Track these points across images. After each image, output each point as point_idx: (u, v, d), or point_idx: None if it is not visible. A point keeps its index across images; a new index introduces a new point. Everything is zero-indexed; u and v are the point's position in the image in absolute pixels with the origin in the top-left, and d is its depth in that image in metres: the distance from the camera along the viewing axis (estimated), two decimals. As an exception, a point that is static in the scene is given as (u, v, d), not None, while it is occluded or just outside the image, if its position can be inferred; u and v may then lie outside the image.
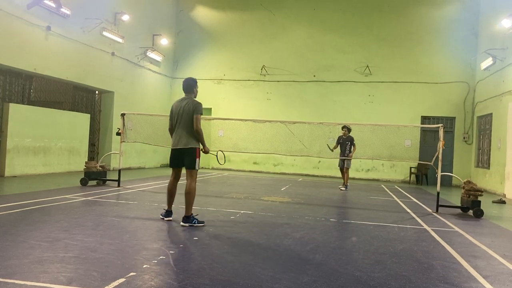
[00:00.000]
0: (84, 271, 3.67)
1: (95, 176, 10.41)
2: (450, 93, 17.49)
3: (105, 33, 14.62)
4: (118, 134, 10.38)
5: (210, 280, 3.65)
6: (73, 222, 5.76)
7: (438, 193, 9.02)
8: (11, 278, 3.37)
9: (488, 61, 15.14)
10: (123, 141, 10.35)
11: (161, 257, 4.27)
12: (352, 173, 15.31)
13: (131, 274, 3.66)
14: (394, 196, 11.67)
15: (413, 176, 17.49)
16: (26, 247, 4.35)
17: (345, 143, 12.46)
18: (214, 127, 17.60)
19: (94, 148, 15.45)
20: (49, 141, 12.71)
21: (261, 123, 11.83)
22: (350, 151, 12.36)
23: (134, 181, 11.78)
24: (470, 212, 8.46)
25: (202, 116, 6.02)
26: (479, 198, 8.50)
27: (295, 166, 18.78)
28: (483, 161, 16.11)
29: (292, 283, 3.67)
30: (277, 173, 18.70)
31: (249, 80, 19.40)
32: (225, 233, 5.67)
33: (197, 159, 6.00)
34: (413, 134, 16.95)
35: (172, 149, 6.14)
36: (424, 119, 17.81)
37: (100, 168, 10.62)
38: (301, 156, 13.68)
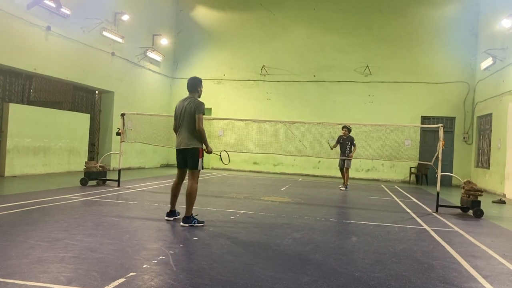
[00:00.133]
0: (84, 271, 3.67)
1: (95, 176, 10.41)
2: (450, 93, 17.49)
3: (105, 33, 14.62)
4: (118, 134, 10.37)
5: (210, 280, 3.65)
6: (73, 222, 5.76)
7: (438, 193, 9.03)
8: (11, 278, 3.37)
9: (488, 61, 15.14)
10: (123, 141, 10.35)
11: (161, 257, 4.26)
12: (352, 173, 15.30)
13: (131, 274, 3.66)
14: (394, 196, 11.67)
15: (413, 176, 17.49)
16: (26, 247, 4.34)
17: (345, 143, 12.43)
18: (214, 127, 17.62)
19: (94, 148, 15.45)
20: (49, 141, 12.70)
21: (261, 123, 11.85)
22: (350, 151, 12.34)
23: (134, 181, 11.77)
24: (470, 212, 8.46)
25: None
26: (479, 198, 8.50)
27: (295, 166, 18.78)
28: (483, 161, 16.11)
29: (292, 283, 3.67)
30: (277, 173, 18.69)
31: (249, 80, 19.40)
32: (225, 233, 5.67)
33: (200, 159, 5.96)
34: (413, 134, 16.96)
35: (176, 150, 6.12)
36: (424, 119, 17.81)
37: (100, 168, 10.62)
38: (301, 156, 13.70)
